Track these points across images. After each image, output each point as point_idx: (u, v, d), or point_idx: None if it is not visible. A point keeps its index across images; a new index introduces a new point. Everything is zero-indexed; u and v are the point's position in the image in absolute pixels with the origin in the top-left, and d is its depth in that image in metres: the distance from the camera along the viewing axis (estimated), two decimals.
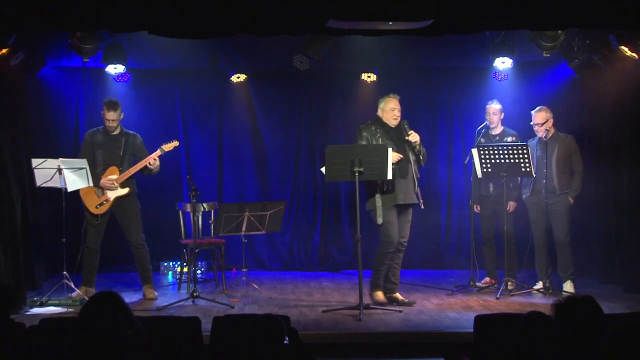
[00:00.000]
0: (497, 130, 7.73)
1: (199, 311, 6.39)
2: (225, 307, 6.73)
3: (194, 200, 7.06)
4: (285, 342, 3.78)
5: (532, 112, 7.45)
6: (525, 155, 7.17)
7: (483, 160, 7.31)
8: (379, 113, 6.95)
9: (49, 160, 6.97)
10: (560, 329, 3.40)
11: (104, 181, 7.19)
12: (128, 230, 7.32)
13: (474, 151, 7.39)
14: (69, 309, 6.68)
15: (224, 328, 4.55)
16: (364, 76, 8.87)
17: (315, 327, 6.06)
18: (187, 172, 8.70)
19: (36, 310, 6.69)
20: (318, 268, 9.06)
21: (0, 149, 6.94)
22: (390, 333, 5.98)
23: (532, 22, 6.19)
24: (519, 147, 7.20)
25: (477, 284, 7.62)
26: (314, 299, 7.33)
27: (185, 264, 7.84)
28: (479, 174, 7.42)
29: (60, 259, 7.09)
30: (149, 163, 7.22)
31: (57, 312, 6.64)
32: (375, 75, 8.85)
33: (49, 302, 6.86)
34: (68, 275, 7.05)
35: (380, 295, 6.87)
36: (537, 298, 7.21)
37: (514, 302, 6.96)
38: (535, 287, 7.42)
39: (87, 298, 5.78)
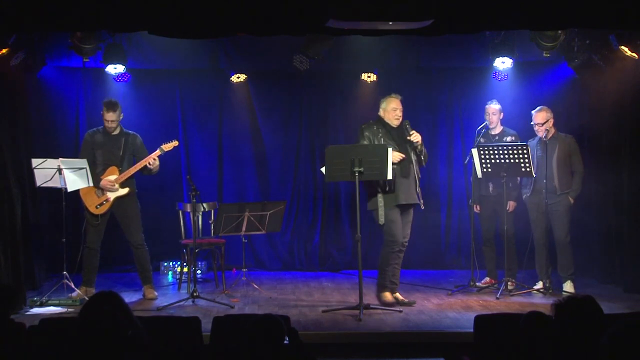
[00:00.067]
0: (497, 130, 7.73)
1: (199, 311, 6.39)
2: (225, 307, 6.73)
3: (194, 200, 7.06)
4: (285, 342, 3.78)
5: (533, 112, 7.46)
6: (525, 155, 7.17)
7: (483, 160, 7.31)
8: (381, 113, 6.95)
9: (49, 160, 6.96)
10: (560, 329, 3.40)
11: (104, 183, 7.18)
12: (128, 230, 7.33)
13: (474, 151, 7.39)
14: (69, 309, 6.68)
15: (224, 328, 4.55)
16: (364, 76, 8.87)
17: (315, 327, 6.06)
18: (187, 172, 8.70)
19: (36, 310, 6.69)
20: (318, 268, 9.06)
21: (0, 149, 6.94)
22: (390, 333, 5.98)
23: (532, 22, 6.19)
24: (519, 147, 7.21)
25: (477, 284, 7.62)
26: (314, 299, 7.33)
27: (185, 264, 7.84)
28: (479, 174, 7.42)
29: (60, 259, 7.09)
30: (149, 163, 7.22)
31: (57, 312, 6.64)
32: (375, 75, 8.85)
33: (49, 302, 6.86)
34: (68, 275, 7.05)
35: (388, 296, 6.85)
36: (537, 298, 7.21)
37: (514, 302, 6.96)
38: (535, 287, 7.42)
39: (87, 298, 5.78)
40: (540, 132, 7.35)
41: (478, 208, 7.80)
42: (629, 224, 7.47)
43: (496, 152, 7.24)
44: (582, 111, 8.39)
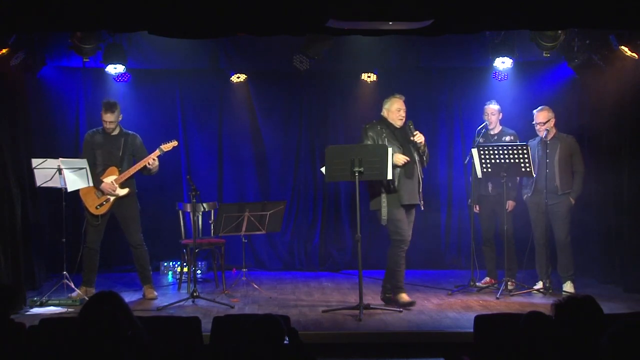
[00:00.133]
0: (496, 130, 7.73)
1: (199, 311, 6.39)
2: (225, 307, 6.73)
3: (194, 200, 7.06)
4: (285, 342, 3.78)
5: (534, 111, 7.45)
6: (525, 156, 7.17)
7: (483, 160, 7.31)
8: (384, 113, 6.94)
9: (49, 160, 6.96)
10: (560, 329, 3.40)
11: (104, 186, 7.17)
12: (127, 230, 7.33)
13: (474, 151, 7.39)
14: (69, 309, 6.68)
15: (224, 328, 4.54)
16: (364, 76, 8.87)
17: (315, 327, 6.06)
18: (187, 172, 8.70)
19: (36, 310, 6.69)
20: (318, 268, 9.06)
21: (0, 149, 6.94)
22: (390, 333, 5.98)
23: (532, 22, 6.19)
24: (519, 147, 7.20)
25: (477, 284, 7.62)
26: (314, 299, 7.33)
27: (185, 264, 7.84)
28: (479, 174, 7.42)
29: (60, 259, 7.10)
30: (148, 163, 7.22)
31: (57, 312, 6.64)
32: (375, 75, 8.85)
33: (49, 302, 6.86)
34: (68, 275, 7.05)
35: (405, 297, 6.80)
36: (537, 298, 7.21)
37: (514, 302, 6.96)
38: (535, 287, 7.42)
39: (87, 298, 5.78)
40: (542, 131, 7.35)
41: (477, 208, 7.80)
42: (629, 224, 7.47)
43: (496, 152, 7.24)
44: (582, 111, 8.39)
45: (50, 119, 8.59)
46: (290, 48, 7.79)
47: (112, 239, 7.88)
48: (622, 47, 7.06)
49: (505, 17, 5.96)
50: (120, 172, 7.24)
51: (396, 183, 6.73)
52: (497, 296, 7.13)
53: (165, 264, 8.74)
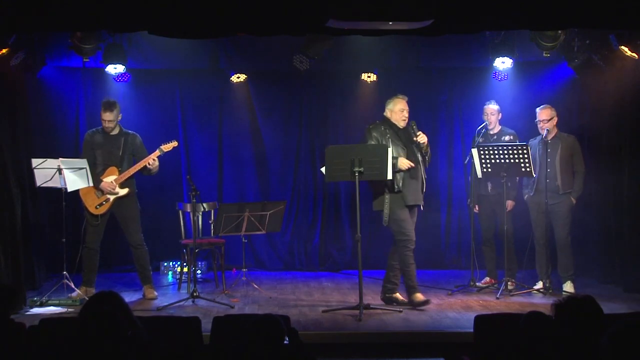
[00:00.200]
0: (495, 129, 7.73)
1: (199, 311, 6.39)
2: (225, 307, 6.73)
3: (194, 200, 7.06)
4: (285, 342, 3.78)
5: (537, 109, 7.46)
6: (525, 155, 7.17)
7: (483, 160, 7.31)
8: (387, 114, 6.93)
9: (49, 160, 6.96)
10: (560, 329, 3.40)
11: (104, 185, 7.18)
12: (127, 230, 7.33)
13: (474, 151, 7.39)
14: (69, 309, 6.68)
15: (224, 328, 4.54)
16: (364, 76, 8.87)
17: (315, 327, 6.06)
18: (187, 172, 8.70)
19: (36, 310, 6.69)
20: (318, 268, 9.06)
21: (0, 149, 6.94)
22: (390, 333, 5.98)
23: (532, 22, 6.19)
24: (519, 147, 7.20)
25: (477, 284, 7.62)
26: (314, 299, 7.33)
27: (185, 264, 7.84)
28: (479, 174, 7.42)
29: (60, 259, 7.10)
30: (148, 163, 7.22)
31: (57, 312, 6.64)
32: (375, 75, 8.85)
33: (49, 302, 6.86)
34: (68, 275, 7.05)
35: (419, 296, 6.78)
36: (537, 298, 7.21)
37: (514, 302, 6.96)
38: (535, 287, 7.42)
39: (87, 298, 5.78)
40: (544, 129, 7.34)
41: (477, 208, 7.80)
42: (629, 224, 7.48)
43: (496, 152, 7.23)
44: (582, 111, 8.39)
45: (50, 119, 8.59)
46: (290, 48, 7.79)
47: (112, 239, 7.89)
48: (622, 47, 7.06)
49: (505, 17, 5.96)
50: (120, 172, 7.24)
51: (401, 184, 6.73)
52: (497, 296, 7.13)
53: (165, 264, 8.74)
